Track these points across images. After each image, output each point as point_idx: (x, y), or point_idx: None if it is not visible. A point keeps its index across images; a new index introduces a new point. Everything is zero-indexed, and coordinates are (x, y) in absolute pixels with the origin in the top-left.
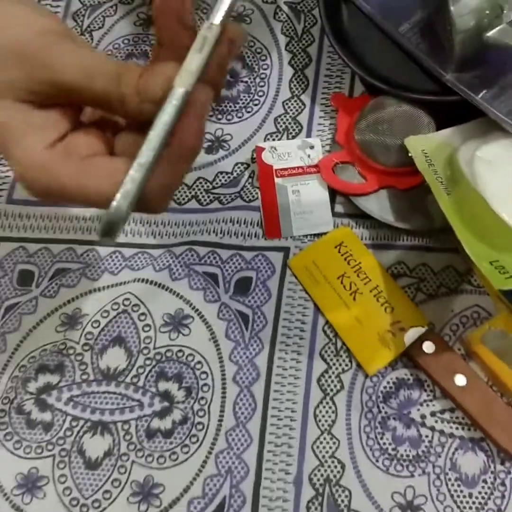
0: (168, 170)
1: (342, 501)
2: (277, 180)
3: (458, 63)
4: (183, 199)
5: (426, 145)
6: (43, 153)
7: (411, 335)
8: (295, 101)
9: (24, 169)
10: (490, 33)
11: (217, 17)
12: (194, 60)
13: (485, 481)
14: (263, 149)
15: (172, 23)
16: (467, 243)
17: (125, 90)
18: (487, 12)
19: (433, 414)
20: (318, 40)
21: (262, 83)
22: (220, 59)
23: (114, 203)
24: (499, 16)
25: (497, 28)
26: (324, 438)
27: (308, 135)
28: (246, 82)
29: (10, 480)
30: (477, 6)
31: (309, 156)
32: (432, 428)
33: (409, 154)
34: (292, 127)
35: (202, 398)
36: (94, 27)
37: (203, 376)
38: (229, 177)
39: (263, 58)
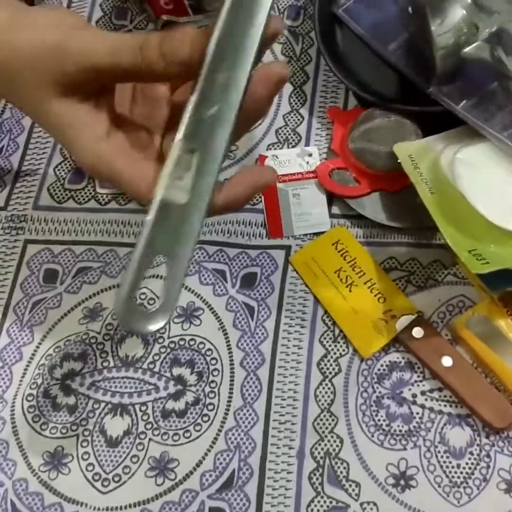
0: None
1: (341, 472)
2: (279, 185)
3: (440, 77)
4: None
5: (412, 150)
6: (98, 145)
7: (402, 322)
8: (295, 114)
9: (83, 158)
10: (468, 49)
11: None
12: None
13: (471, 453)
14: (265, 157)
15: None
16: (448, 235)
17: (149, 57)
18: (465, 30)
19: (423, 393)
20: (315, 60)
21: None
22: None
23: None
24: (475, 34)
25: (474, 45)
26: (324, 416)
27: (307, 144)
28: None
29: (38, 458)
30: (455, 25)
31: (307, 163)
32: (422, 406)
33: (398, 160)
34: (292, 137)
35: (213, 381)
36: None
37: (213, 361)
38: None
39: None
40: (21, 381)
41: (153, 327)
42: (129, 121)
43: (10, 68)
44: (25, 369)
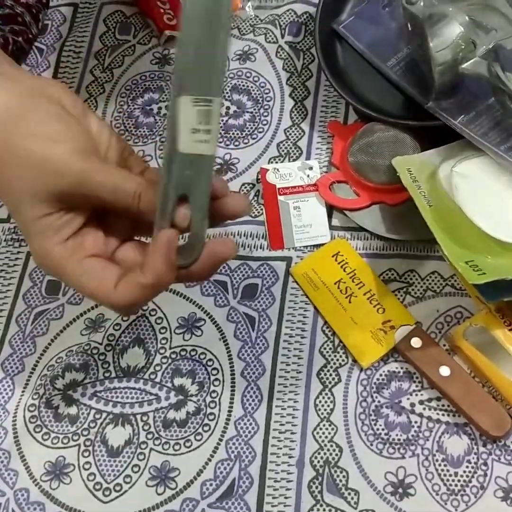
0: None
1: (340, 480)
2: (280, 198)
3: (438, 92)
4: None
5: (411, 164)
6: (55, 248)
7: (400, 332)
8: (296, 128)
9: (39, 258)
10: (465, 65)
11: None
12: None
13: (469, 461)
14: (267, 170)
15: None
16: (446, 247)
17: (143, 209)
18: (462, 47)
19: (421, 402)
20: (316, 75)
21: (265, 113)
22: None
23: None
24: (472, 51)
25: (471, 61)
26: (324, 425)
27: (308, 158)
28: (252, 112)
29: (39, 467)
30: (453, 41)
31: (308, 176)
32: (421, 415)
33: (397, 173)
34: (293, 151)
35: (214, 391)
36: (114, 65)
37: (214, 372)
38: None
39: (267, 91)
40: (23, 391)
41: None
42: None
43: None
44: (27, 380)
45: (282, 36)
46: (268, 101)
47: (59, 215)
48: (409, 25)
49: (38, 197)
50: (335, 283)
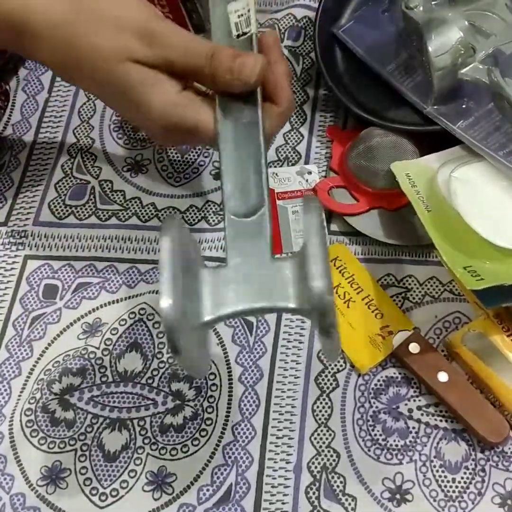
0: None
1: (338, 486)
2: (278, 202)
3: (437, 97)
4: (194, 220)
5: (410, 169)
6: (177, 95)
7: (398, 337)
8: (295, 133)
9: (156, 106)
10: (464, 70)
11: None
12: None
13: (466, 468)
14: None
15: None
16: (444, 252)
17: (217, 67)
18: (462, 52)
19: (419, 408)
20: (315, 80)
21: None
22: None
23: None
24: (472, 56)
25: (470, 66)
26: (321, 430)
27: (306, 162)
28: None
29: (36, 472)
30: (452, 47)
31: (307, 181)
32: (418, 421)
33: (395, 178)
34: (292, 155)
35: (211, 396)
36: None
37: (212, 376)
38: None
39: None
40: (20, 396)
41: None
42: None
43: (93, 24)
44: (24, 384)
45: (282, 40)
46: None
47: (156, 72)
48: (408, 30)
49: (131, 55)
50: (333, 288)
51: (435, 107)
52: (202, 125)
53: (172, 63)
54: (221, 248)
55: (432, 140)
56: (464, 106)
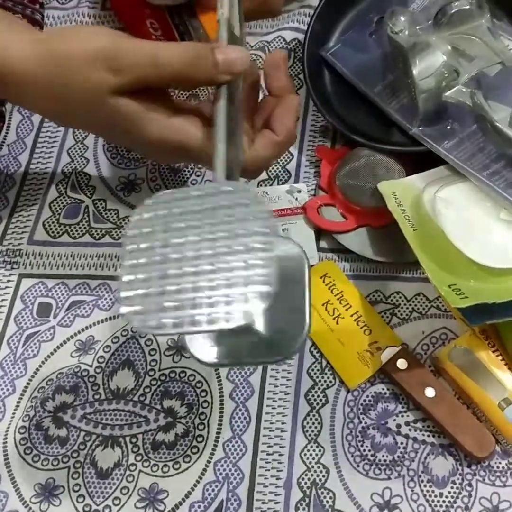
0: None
1: (327, 502)
2: None
3: (422, 119)
4: None
5: (396, 188)
6: (169, 119)
7: (387, 354)
8: (285, 153)
9: (152, 132)
10: (448, 93)
11: None
12: None
13: (454, 482)
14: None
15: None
16: (429, 270)
17: (199, 67)
18: (446, 75)
19: (407, 423)
20: (304, 101)
21: None
22: None
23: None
24: (456, 79)
25: (454, 89)
26: (311, 446)
27: (296, 181)
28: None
29: (29, 489)
30: (437, 70)
31: (296, 199)
32: (406, 436)
33: (382, 197)
34: (281, 174)
35: (202, 413)
36: None
37: (203, 393)
38: None
39: None
40: (13, 413)
41: None
42: (184, 105)
43: (67, 66)
44: (18, 402)
45: None
46: None
47: (145, 99)
48: (394, 54)
49: (111, 88)
50: (322, 305)
51: (420, 128)
52: (199, 144)
53: (146, 80)
54: None
55: (418, 160)
56: (448, 127)
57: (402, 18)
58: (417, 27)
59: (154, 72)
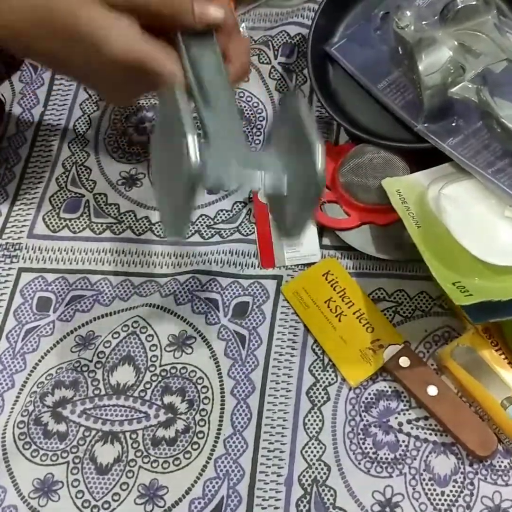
0: None
1: (328, 499)
2: (271, 215)
3: (427, 115)
4: (187, 233)
5: (400, 185)
6: (141, 33)
7: (389, 351)
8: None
9: (116, 44)
10: (454, 89)
11: None
12: None
13: (455, 481)
14: (259, 189)
15: None
16: (434, 268)
17: (179, 11)
18: (451, 71)
19: (409, 421)
20: (308, 96)
21: (258, 133)
22: None
23: None
24: (461, 75)
25: (460, 85)
26: (312, 444)
27: None
28: (245, 131)
29: (28, 485)
30: (442, 66)
31: None
32: (408, 434)
33: (386, 194)
34: None
35: (203, 409)
36: None
37: (204, 390)
38: (228, 214)
39: (260, 111)
40: (12, 408)
41: None
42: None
43: None
44: (17, 397)
45: (275, 57)
46: (260, 121)
47: (119, 14)
48: (399, 49)
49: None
50: (325, 302)
51: (425, 124)
52: (169, 63)
53: (137, 7)
54: (214, 261)
55: (423, 157)
56: (453, 124)
57: (408, 13)
58: (423, 23)
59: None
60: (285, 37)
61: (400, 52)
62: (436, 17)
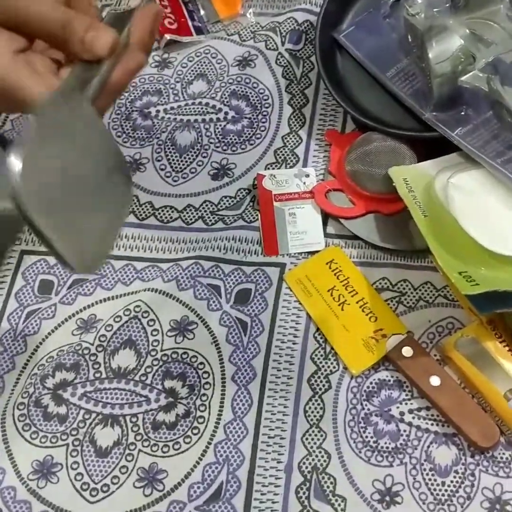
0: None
1: (328, 487)
2: (275, 204)
3: (436, 104)
4: (191, 219)
5: (407, 174)
6: (6, 57)
7: (392, 341)
8: (293, 136)
9: None
10: (464, 78)
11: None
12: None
13: (456, 472)
14: (263, 176)
15: None
16: (440, 257)
17: (69, 37)
18: (462, 59)
19: (410, 411)
20: (315, 83)
21: (264, 120)
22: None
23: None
24: (472, 64)
25: (470, 74)
26: (313, 431)
27: (304, 165)
28: (250, 118)
29: (27, 466)
30: (453, 54)
31: (304, 183)
32: (410, 424)
33: (393, 183)
34: (290, 158)
35: (204, 394)
36: None
37: (205, 375)
38: (232, 201)
39: (266, 98)
40: (13, 390)
41: None
42: (44, 48)
43: None
44: (18, 378)
45: (283, 44)
46: (266, 107)
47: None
48: (409, 36)
49: None
50: (328, 291)
51: (434, 113)
52: (28, 95)
53: (20, 24)
54: (217, 248)
55: (430, 146)
56: (463, 113)
57: (419, 0)
58: (434, 10)
59: (38, 24)
60: (293, 24)
61: (410, 40)
62: (447, 5)
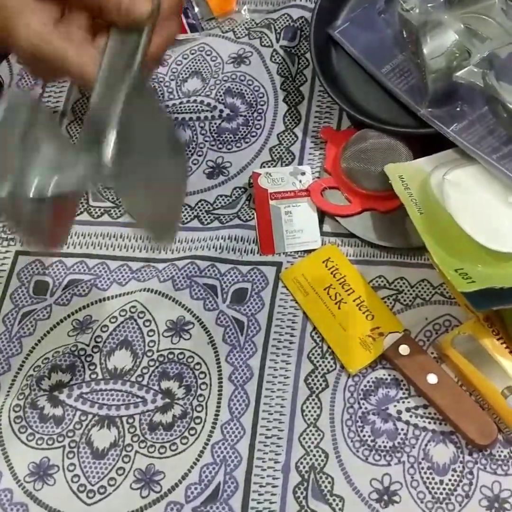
0: None
1: (326, 486)
2: (271, 202)
3: (431, 100)
4: (186, 218)
5: (403, 171)
6: (47, 27)
7: (389, 339)
8: (289, 133)
9: (27, 39)
10: (459, 73)
11: None
12: None
13: (454, 470)
14: (259, 174)
15: None
16: (436, 254)
17: (106, 4)
18: (457, 55)
19: (408, 409)
20: (310, 80)
21: (259, 117)
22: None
23: None
24: (467, 59)
25: (465, 69)
26: (310, 431)
27: (300, 163)
28: (245, 116)
29: (23, 468)
30: (448, 49)
31: (300, 181)
32: (407, 422)
33: (389, 180)
34: (285, 156)
35: (200, 395)
36: None
37: (202, 375)
38: (228, 200)
39: (261, 95)
40: (8, 391)
41: None
42: (77, 16)
43: None
44: (13, 380)
45: (277, 40)
46: (261, 105)
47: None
48: (404, 32)
49: None
50: (324, 289)
51: (429, 109)
52: (74, 66)
53: None
54: (213, 247)
55: (426, 143)
56: (458, 109)
57: None
58: (429, 5)
59: None
60: (287, 20)
61: (405, 36)
62: (442, 0)
